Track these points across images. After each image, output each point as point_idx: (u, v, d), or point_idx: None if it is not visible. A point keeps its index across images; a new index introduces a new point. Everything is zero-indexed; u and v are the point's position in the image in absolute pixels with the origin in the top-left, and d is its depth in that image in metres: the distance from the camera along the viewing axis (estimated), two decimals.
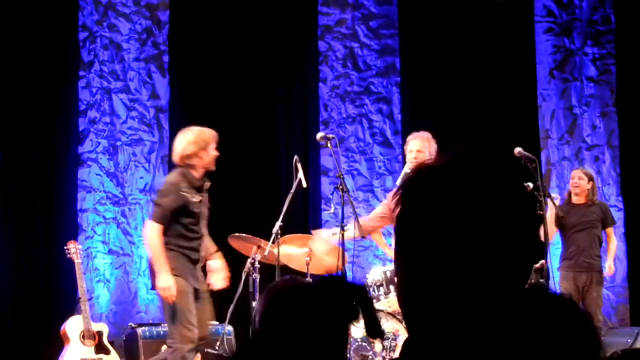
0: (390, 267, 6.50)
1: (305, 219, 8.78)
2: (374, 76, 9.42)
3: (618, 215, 9.39)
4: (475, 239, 1.33)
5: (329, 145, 6.19)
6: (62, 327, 6.91)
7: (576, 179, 7.90)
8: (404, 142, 6.84)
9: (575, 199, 7.89)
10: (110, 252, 8.37)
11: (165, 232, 5.83)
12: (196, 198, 5.90)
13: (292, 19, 9.17)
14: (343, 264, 6.05)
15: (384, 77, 9.43)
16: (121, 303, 8.34)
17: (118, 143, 8.51)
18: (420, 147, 6.31)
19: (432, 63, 9.52)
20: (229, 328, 7.02)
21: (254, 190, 8.80)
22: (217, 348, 6.46)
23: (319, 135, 6.38)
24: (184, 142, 5.93)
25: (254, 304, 6.15)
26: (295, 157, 6.34)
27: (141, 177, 8.55)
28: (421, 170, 1.41)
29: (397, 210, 1.40)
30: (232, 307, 6.36)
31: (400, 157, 9.12)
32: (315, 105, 9.21)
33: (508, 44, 9.69)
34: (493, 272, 1.33)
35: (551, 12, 9.85)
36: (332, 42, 9.35)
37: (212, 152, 5.95)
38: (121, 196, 8.46)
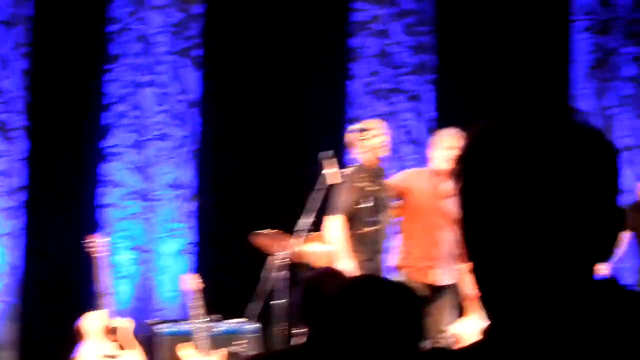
0: None
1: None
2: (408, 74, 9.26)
3: None
4: (557, 205, 1.10)
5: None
6: (78, 323, 6.74)
7: None
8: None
9: None
10: (132, 248, 8.30)
11: None
12: None
13: (323, 15, 9.05)
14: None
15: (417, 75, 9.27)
16: (141, 300, 8.27)
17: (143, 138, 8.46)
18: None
19: (466, 61, 9.33)
20: (256, 325, 6.90)
21: (279, 187, 8.68)
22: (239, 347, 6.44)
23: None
24: None
25: (278, 301, 6.14)
26: (321, 153, 6.31)
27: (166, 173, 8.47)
28: (480, 134, 1.19)
29: (459, 186, 1.18)
30: (256, 304, 6.34)
31: None
32: (343, 102, 9.06)
33: (543, 42, 9.49)
34: (578, 244, 1.11)
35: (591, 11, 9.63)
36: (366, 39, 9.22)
37: None
38: (145, 192, 8.40)
